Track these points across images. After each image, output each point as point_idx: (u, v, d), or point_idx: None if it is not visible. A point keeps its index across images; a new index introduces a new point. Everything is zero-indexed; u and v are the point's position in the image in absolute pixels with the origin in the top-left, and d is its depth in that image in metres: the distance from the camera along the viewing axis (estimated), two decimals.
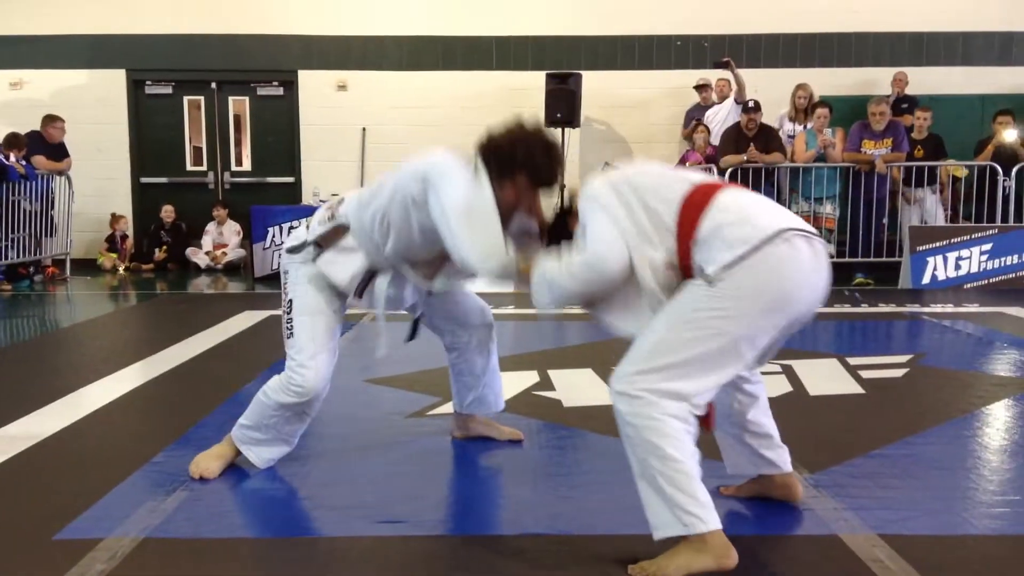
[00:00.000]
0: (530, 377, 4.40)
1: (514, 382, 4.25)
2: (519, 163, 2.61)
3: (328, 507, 2.66)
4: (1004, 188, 8.45)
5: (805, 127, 8.92)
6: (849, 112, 9.25)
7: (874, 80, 9.78)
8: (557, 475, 2.97)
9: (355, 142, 10.32)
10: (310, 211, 8.97)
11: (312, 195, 9.95)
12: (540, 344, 5.41)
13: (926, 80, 9.69)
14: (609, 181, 2.38)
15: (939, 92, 9.66)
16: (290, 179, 10.51)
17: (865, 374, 4.43)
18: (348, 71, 10.35)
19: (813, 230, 2.31)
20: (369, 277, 2.86)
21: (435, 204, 2.56)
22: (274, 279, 8.78)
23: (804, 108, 9.04)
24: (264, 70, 10.52)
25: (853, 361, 4.72)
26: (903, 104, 9.28)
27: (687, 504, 2.13)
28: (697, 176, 2.39)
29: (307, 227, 2.94)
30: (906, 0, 9.96)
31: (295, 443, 3.04)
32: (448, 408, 3.81)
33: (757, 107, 8.60)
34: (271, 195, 10.27)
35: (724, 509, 2.63)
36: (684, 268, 2.25)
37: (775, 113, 9.16)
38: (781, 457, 2.63)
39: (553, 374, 4.39)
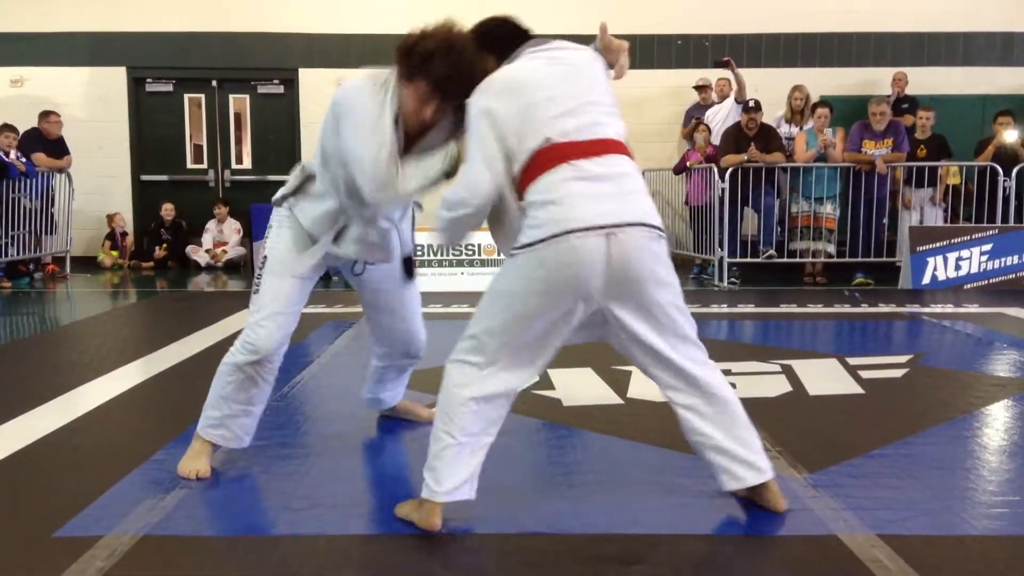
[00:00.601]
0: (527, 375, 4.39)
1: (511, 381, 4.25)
2: (415, 65, 2.51)
3: (327, 505, 2.67)
4: (1004, 189, 8.46)
5: (802, 128, 8.92)
6: (849, 112, 9.25)
7: (874, 80, 9.78)
8: (556, 474, 2.97)
9: None
10: None
11: None
12: None
13: (927, 80, 9.69)
14: (487, 101, 2.37)
15: (940, 92, 9.67)
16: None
17: (865, 374, 4.43)
18: (349, 69, 10.33)
19: (634, 220, 2.32)
20: (343, 224, 2.85)
21: (342, 139, 2.60)
22: None
23: (800, 109, 9.04)
24: (265, 68, 10.52)
25: (853, 361, 4.72)
26: (904, 104, 9.28)
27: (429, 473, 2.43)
28: (558, 129, 2.34)
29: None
30: (907, 0, 9.96)
31: (257, 415, 3.00)
32: None
33: (758, 106, 8.60)
34: (271, 193, 10.12)
35: (723, 512, 2.63)
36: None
37: (776, 113, 9.16)
38: (744, 471, 2.54)
39: (552, 373, 4.39)
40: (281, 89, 10.64)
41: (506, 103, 2.35)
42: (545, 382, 4.24)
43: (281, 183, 3.08)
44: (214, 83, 10.67)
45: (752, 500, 2.63)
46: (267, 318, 2.82)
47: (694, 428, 2.55)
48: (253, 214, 9.08)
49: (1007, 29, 9.98)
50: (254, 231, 9.03)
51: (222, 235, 10.16)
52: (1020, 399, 3.98)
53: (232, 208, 10.18)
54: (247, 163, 10.78)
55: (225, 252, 10.01)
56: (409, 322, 3.20)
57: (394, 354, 3.29)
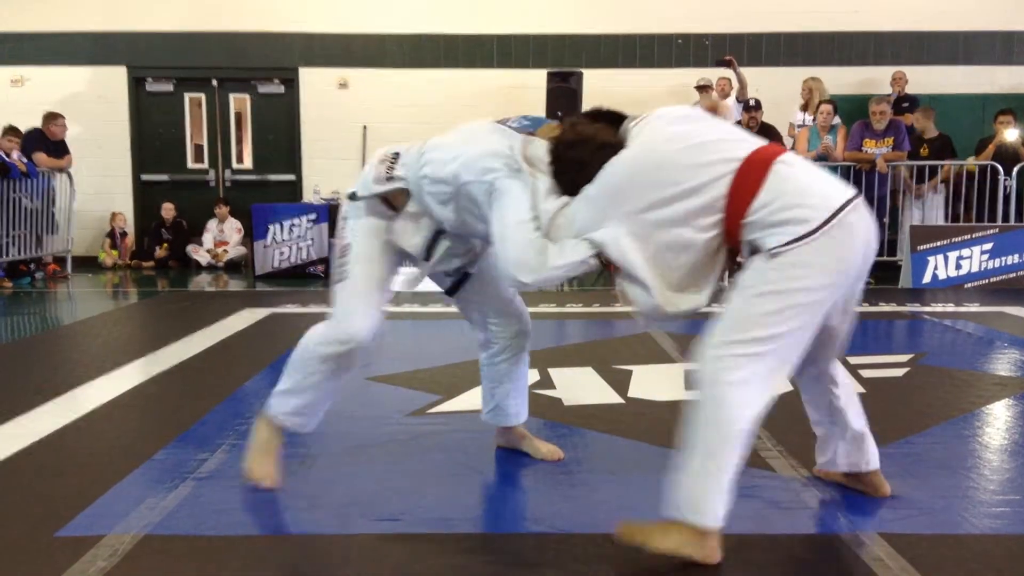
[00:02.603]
0: (530, 375, 4.40)
1: None
2: (565, 170, 2.44)
3: (328, 505, 2.67)
4: (1005, 188, 8.45)
5: (815, 119, 8.90)
6: (851, 111, 9.25)
7: (875, 79, 9.78)
8: (558, 473, 2.97)
9: (356, 140, 10.32)
10: (311, 209, 9.07)
11: (313, 193, 9.96)
12: (540, 342, 5.40)
13: (927, 79, 9.69)
14: (634, 160, 2.31)
15: (940, 91, 9.66)
16: (291, 177, 10.51)
17: (866, 373, 4.43)
18: (349, 68, 10.35)
19: (855, 193, 2.34)
20: (435, 237, 2.72)
21: (496, 216, 2.46)
22: (274, 277, 8.80)
23: (811, 101, 9.06)
24: (265, 67, 10.53)
25: (854, 360, 4.71)
26: (904, 103, 9.28)
27: (714, 497, 2.20)
28: (737, 147, 2.30)
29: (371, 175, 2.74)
30: (908, 0, 9.96)
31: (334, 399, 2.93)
32: (449, 407, 3.82)
33: (758, 105, 8.60)
34: (272, 193, 10.27)
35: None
36: (732, 243, 2.31)
37: (775, 112, 9.14)
38: (867, 457, 2.67)
39: (553, 372, 4.39)
40: (281, 89, 10.64)
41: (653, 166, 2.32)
42: (546, 381, 4.24)
43: (282, 183, 3.07)
44: (214, 82, 10.67)
45: (855, 486, 2.72)
46: (361, 304, 2.69)
47: (836, 407, 2.62)
48: (254, 214, 9.08)
49: (1007, 28, 9.97)
50: (255, 231, 9.03)
51: (223, 235, 10.17)
52: (1021, 398, 3.98)
53: (233, 207, 10.18)
54: (248, 163, 10.78)
55: (226, 252, 10.01)
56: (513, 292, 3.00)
57: (506, 333, 2.99)
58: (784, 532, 2.47)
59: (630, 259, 2.31)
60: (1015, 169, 8.41)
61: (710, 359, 2.25)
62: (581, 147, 2.40)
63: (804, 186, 2.26)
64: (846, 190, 2.31)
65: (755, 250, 2.28)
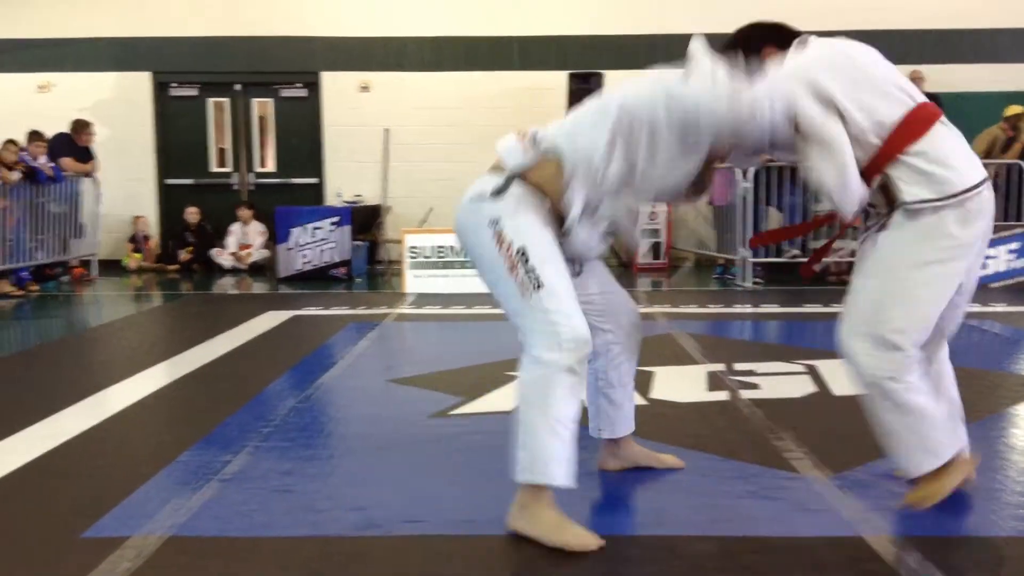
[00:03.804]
0: None
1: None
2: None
3: (351, 507, 2.68)
4: None
5: None
6: None
7: None
8: (581, 476, 2.96)
9: (378, 143, 10.36)
10: (334, 212, 9.13)
11: (335, 195, 10.00)
12: None
13: (950, 78, 9.59)
14: (825, 57, 2.42)
15: (966, 89, 9.56)
16: (314, 180, 10.56)
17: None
18: (371, 72, 10.39)
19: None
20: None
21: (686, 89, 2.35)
22: (298, 279, 8.84)
23: None
24: (288, 72, 10.59)
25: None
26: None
27: (936, 440, 2.47)
28: (913, 90, 2.47)
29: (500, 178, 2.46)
30: None
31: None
32: (472, 408, 3.82)
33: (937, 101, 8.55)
34: (295, 196, 10.33)
35: (746, 513, 2.62)
36: (869, 173, 2.40)
37: None
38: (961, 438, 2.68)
39: None
40: (304, 92, 10.70)
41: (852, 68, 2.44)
42: None
43: (305, 186, 2.98)
44: (238, 87, 10.75)
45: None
46: (571, 307, 2.36)
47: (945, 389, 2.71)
48: (277, 216, 9.14)
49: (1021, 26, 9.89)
50: (278, 233, 9.09)
51: (246, 237, 10.23)
52: None
53: (256, 211, 10.25)
54: (271, 166, 10.84)
55: (249, 255, 10.07)
56: (617, 287, 2.83)
57: (619, 329, 2.77)
58: (808, 535, 2.45)
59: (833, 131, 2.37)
60: None
61: (849, 333, 2.47)
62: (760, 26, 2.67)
63: (952, 150, 2.40)
64: (982, 168, 2.45)
65: (887, 192, 2.41)
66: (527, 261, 2.35)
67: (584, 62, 9.95)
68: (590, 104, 2.50)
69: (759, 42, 2.61)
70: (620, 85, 2.48)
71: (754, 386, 4.16)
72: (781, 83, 2.39)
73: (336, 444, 3.37)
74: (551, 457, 2.34)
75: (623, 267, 9.60)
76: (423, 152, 10.22)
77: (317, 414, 3.83)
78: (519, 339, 2.42)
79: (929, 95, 8.77)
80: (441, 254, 8.20)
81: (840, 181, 2.37)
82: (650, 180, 2.40)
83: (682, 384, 4.21)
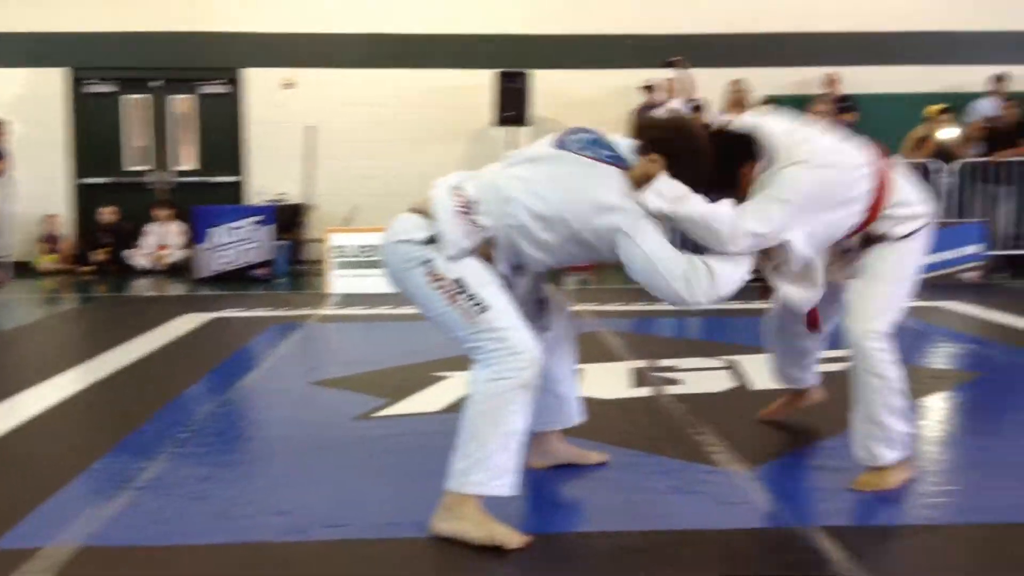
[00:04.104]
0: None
1: (464, 381, 4.24)
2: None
3: (273, 512, 2.63)
4: (943, 184, 8.64)
5: None
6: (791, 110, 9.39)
7: (813, 80, 9.93)
8: None
9: (301, 140, 10.21)
10: (255, 210, 8.97)
11: (257, 194, 9.84)
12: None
13: (867, 80, 9.87)
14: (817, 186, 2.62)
15: (880, 91, 9.85)
16: (235, 178, 10.37)
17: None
18: (296, 68, 10.24)
19: None
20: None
21: (635, 253, 2.45)
22: (218, 280, 8.66)
23: (740, 102, 9.17)
24: (209, 68, 10.37)
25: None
26: (845, 102, 9.44)
27: (900, 435, 2.78)
28: (862, 161, 2.73)
29: (435, 224, 2.47)
30: (844, 2, 10.14)
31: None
32: (397, 410, 3.79)
33: (703, 106, 8.69)
34: (216, 195, 10.11)
35: (668, 507, 2.66)
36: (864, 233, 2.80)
37: (714, 110, 9.25)
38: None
39: None
40: (225, 89, 10.50)
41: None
42: None
43: (226, 184, 2.92)
44: (157, 83, 10.49)
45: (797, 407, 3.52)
46: (519, 323, 2.45)
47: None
48: (196, 216, 8.95)
49: (944, 29, 10.21)
50: (197, 233, 8.90)
51: (165, 237, 9.99)
52: (957, 390, 4.07)
53: (175, 210, 10.01)
54: (191, 164, 10.61)
55: (168, 255, 9.84)
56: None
57: (558, 325, 2.94)
58: (728, 527, 2.49)
59: (812, 257, 2.72)
60: (951, 166, 8.61)
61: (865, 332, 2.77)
62: (732, 142, 2.70)
63: (910, 188, 2.84)
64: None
65: (872, 238, 2.80)
66: (464, 289, 2.43)
67: (512, 61, 9.97)
68: (538, 197, 2.47)
69: (739, 160, 2.68)
70: (567, 187, 2.47)
71: (677, 382, 4.22)
72: (775, 222, 2.56)
73: (256, 448, 3.31)
74: (503, 471, 2.39)
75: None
76: (349, 150, 10.11)
77: (237, 418, 3.76)
78: (472, 360, 2.48)
79: (844, 96, 8.97)
80: (366, 253, 8.13)
81: (809, 297, 2.86)
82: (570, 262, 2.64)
83: (607, 381, 4.25)
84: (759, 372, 4.40)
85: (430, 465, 3.07)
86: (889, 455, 2.76)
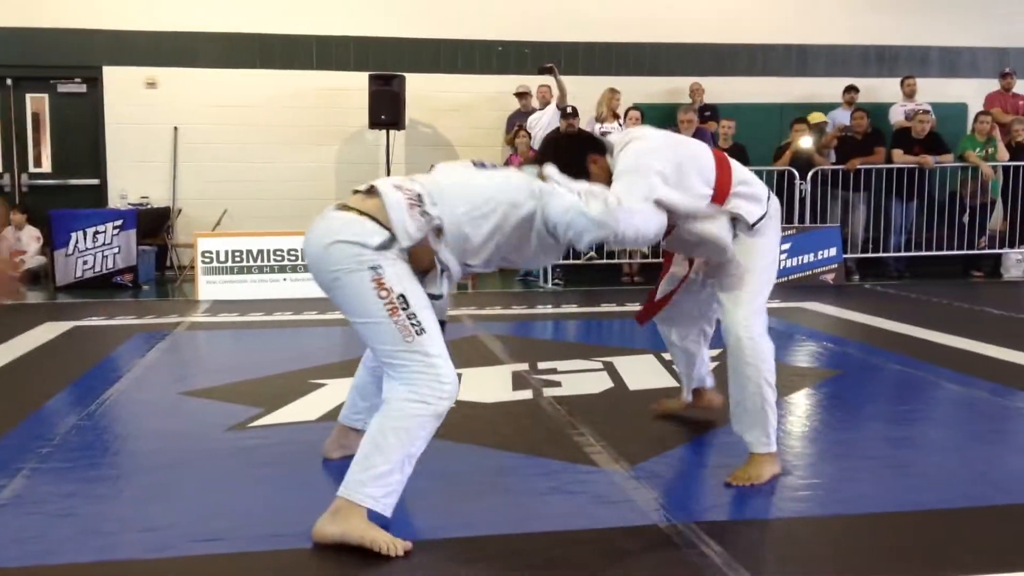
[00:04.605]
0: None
1: (342, 389, 4.18)
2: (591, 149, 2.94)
3: (142, 528, 2.52)
4: (800, 191, 9.06)
5: (622, 126, 9.22)
6: (657, 119, 9.65)
7: (680, 89, 10.25)
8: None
9: (166, 142, 9.85)
10: (117, 215, 8.60)
11: (119, 197, 9.42)
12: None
13: (729, 90, 10.25)
14: (658, 148, 2.87)
15: (741, 101, 10.24)
16: (95, 181, 9.90)
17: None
18: (159, 67, 9.86)
19: None
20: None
21: (555, 206, 2.60)
22: (78, 288, 8.26)
23: (613, 109, 9.38)
24: (65, 66, 9.87)
25: (668, 356, 4.91)
26: (706, 112, 9.78)
27: (773, 427, 2.96)
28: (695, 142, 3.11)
29: (390, 216, 2.50)
30: (710, 14, 10.50)
31: None
32: (272, 419, 3.70)
33: (575, 113, 8.84)
34: (74, 198, 9.62)
35: (548, 509, 2.68)
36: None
37: (586, 120, 9.43)
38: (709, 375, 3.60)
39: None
40: (84, 88, 10.02)
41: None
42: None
43: (84, 187, 2.80)
44: (8, 82, 9.91)
45: (693, 407, 3.66)
46: (445, 354, 2.51)
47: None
48: (53, 220, 8.50)
49: (801, 42, 10.71)
50: (55, 239, 8.45)
51: (19, 243, 9.45)
52: (819, 387, 4.27)
53: (31, 214, 9.48)
54: (46, 166, 10.06)
55: (23, 262, 9.31)
56: None
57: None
58: (608, 525, 2.54)
59: (702, 205, 2.90)
60: (809, 174, 9.03)
61: (742, 322, 2.95)
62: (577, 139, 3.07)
63: (747, 172, 3.07)
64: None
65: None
66: (408, 307, 2.47)
67: (385, 64, 9.89)
68: (477, 188, 2.63)
69: (586, 153, 2.90)
70: (516, 185, 2.66)
71: (556, 384, 4.27)
72: (636, 185, 2.73)
73: (124, 462, 3.17)
74: (394, 491, 2.43)
75: (424, 273, 9.60)
76: (216, 152, 9.80)
77: (102, 431, 3.59)
78: (390, 375, 2.49)
79: (707, 106, 9.28)
80: (237, 258, 7.91)
81: (724, 233, 2.96)
82: (510, 261, 2.75)
83: (487, 385, 4.27)
84: (635, 373, 4.52)
85: (307, 475, 3.02)
86: (765, 446, 2.93)
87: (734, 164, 3.03)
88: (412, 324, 2.47)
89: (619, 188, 2.71)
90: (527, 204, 2.60)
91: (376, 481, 2.39)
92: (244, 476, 3.00)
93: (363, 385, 3.08)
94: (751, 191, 2.99)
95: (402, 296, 2.47)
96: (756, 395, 2.93)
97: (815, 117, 9.54)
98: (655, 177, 2.76)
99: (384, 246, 2.48)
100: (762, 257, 3.01)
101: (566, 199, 2.59)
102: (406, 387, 2.45)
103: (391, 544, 2.35)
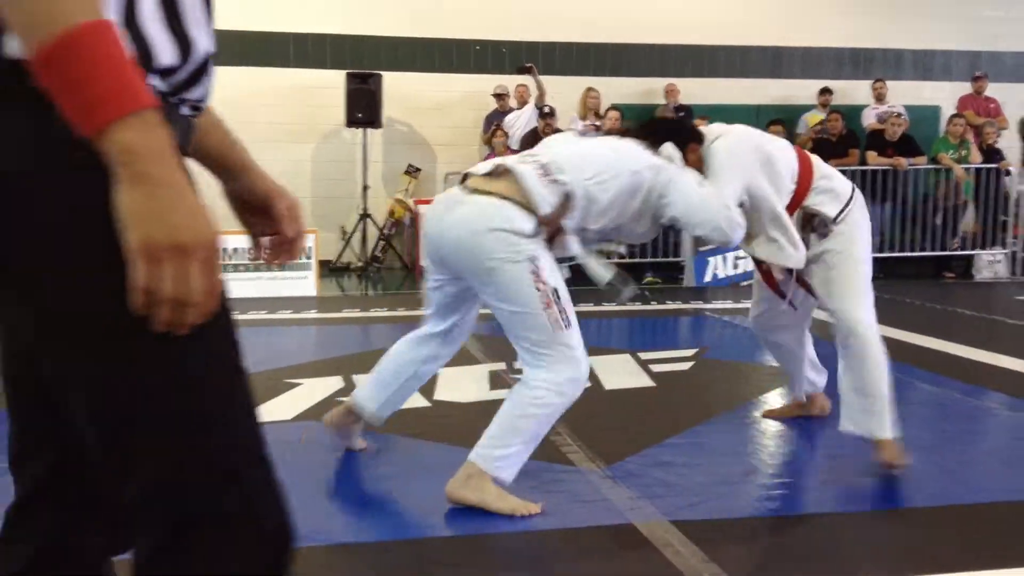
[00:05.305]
0: (334, 382, 4.33)
1: (317, 388, 4.17)
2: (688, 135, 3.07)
3: None
4: None
5: (601, 126, 9.25)
6: (632, 120, 9.69)
7: (656, 90, 10.30)
8: (369, 482, 2.93)
9: None
10: None
11: None
12: (344, 348, 5.33)
13: (705, 91, 10.30)
14: (742, 146, 3.02)
15: (717, 102, 10.30)
16: None
17: (655, 368, 4.65)
18: None
19: None
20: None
21: (681, 191, 2.80)
22: None
23: (595, 109, 9.40)
24: None
25: (644, 356, 4.95)
26: (681, 113, 9.82)
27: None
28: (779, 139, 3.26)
29: (522, 199, 2.62)
30: (686, 15, 10.56)
31: None
32: None
33: (552, 113, 8.85)
34: None
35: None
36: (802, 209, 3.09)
37: (563, 120, 9.46)
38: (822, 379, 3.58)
39: (356, 378, 4.33)
40: None
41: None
42: (350, 388, 4.18)
43: None
44: None
45: (804, 414, 3.64)
46: (583, 349, 2.70)
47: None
48: None
49: (777, 44, 10.78)
50: None
51: None
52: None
53: None
54: None
55: None
56: None
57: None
58: (584, 524, 2.55)
59: (782, 214, 3.02)
60: None
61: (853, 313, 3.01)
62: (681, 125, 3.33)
63: (827, 166, 3.17)
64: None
65: (810, 215, 3.07)
66: (559, 300, 2.63)
67: (362, 62, 9.85)
68: (598, 155, 2.80)
69: (687, 142, 3.02)
70: (632, 154, 2.84)
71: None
72: (730, 184, 2.92)
73: None
74: (517, 464, 2.64)
75: (407, 270, 9.60)
76: None
77: None
78: (532, 363, 2.66)
79: (682, 107, 9.33)
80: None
81: (799, 256, 3.05)
82: (618, 231, 2.88)
83: (465, 385, 4.27)
84: (612, 372, 4.53)
85: (282, 474, 2.99)
86: (891, 431, 2.97)
87: (815, 160, 3.14)
88: (563, 317, 2.61)
89: (718, 187, 2.88)
90: (644, 173, 2.77)
91: (511, 460, 2.61)
92: None
93: (389, 377, 3.08)
94: (831, 185, 3.09)
95: (555, 290, 2.61)
96: (881, 381, 2.97)
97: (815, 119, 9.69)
98: (742, 180, 2.94)
99: (535, 232, 2.61)
100: (859, 247, 3.09)
101: (692, 196, 2.79)
102: (549, 375, 2.61)
103: (525, 508, 2.58)
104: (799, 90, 10.49)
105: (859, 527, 2.57)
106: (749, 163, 2.97)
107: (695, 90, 10.14)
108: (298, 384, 4.21)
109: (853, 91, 10.48)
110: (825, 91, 10.11)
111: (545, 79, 9.47)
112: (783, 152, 3.08)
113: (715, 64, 10.67)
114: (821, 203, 3.06)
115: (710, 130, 3.13)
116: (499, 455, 2.61)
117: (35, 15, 0.86)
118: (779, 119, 9.45)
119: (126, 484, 1.00)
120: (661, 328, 6.32)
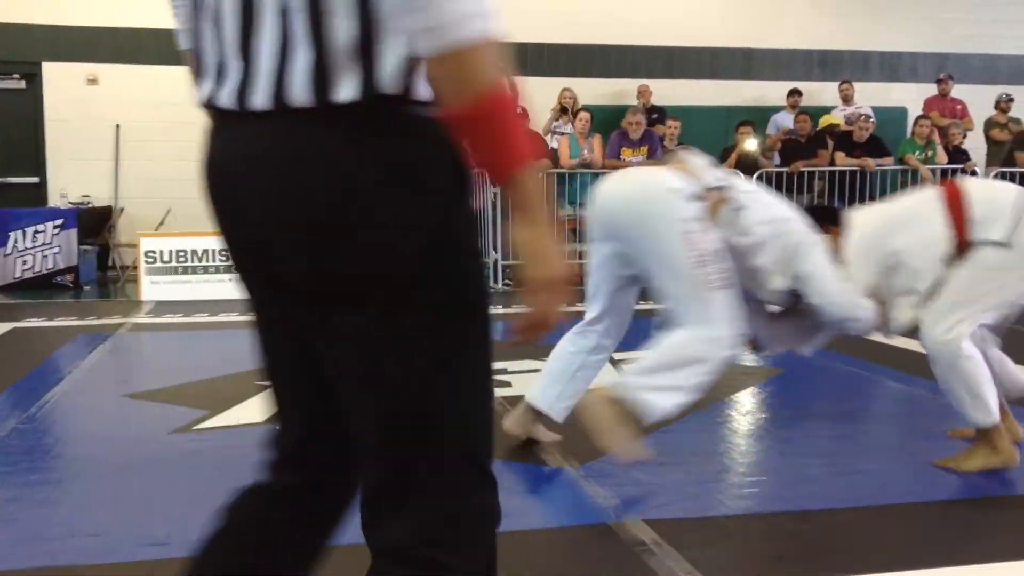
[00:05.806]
0: None
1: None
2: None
3: (85, 533, 2.48)
4: None
5: (571, 125, 9.28)
6: (606, 120, 9.71)
7: (628, 91, 10.34)
8: None
9: (108, 140, 9.67)
10: (57, 213, 8.42)
11: (60, 196, 9.22)
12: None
13: (677, 92, 10.36)
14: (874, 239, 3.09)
15: (689, 103, 10.36)
16: (34, 179, 9.67)
17: (630, 368, 4.65)
18: (100, 64, 9.67)
19: None
20: None
21: (821, 276, 3.00)
22: (18, 288, 8.06)
23: (570, 108, 9.43)
24: (3, 61, 9.63)
25: (619, 356, 4.95)
26: (653, 114, 9.87)
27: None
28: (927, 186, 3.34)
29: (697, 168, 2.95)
30: (658, 17, 10.61)
31: None
32: (217, 422, 3.65)
33: (524, 114, 8.86)
34: (13, 197, 9.40)
35: (504, 507, 2.68)
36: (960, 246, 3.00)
37: (542, 120, 9.47)
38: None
39: None
40: (22, 85, 9.78)
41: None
42: None
43: (24, 186, 2.74)
44: None
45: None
46: (733, 319, 2.88)
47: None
48: None
49: (747, 46, 10.87)
50: None
51: None
52: (764, 386, 4.34)
53: None
54: None
55: None
56: None
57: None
58: (560, 523, 2.56)
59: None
60: (755, 176, 9.17)
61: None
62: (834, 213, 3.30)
63: (986, 190, 3.09)
64: None
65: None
66: (719, 261, 2.83)
67: None
68: (767, 198, 3.11)
69: (835, 225, 3.18)
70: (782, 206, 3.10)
71: (507, 384, 4.28)
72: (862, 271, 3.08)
73: (66, 466, 3.10)
74: (664, 407, 2.82)
75: None
76: (159, 150, 9.63)
77: (43, 435, 3.51)
78: (686, 321, 2.85)
79: (654, 107, 9.34)
80: (181, 259, 7.78)
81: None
82: (740, 268, 2.99)
83: None
84: None
85: (254, 478, 2.97)
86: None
87: (970, 187, 3.02)
88: (719, 278, 2.82)
89: (854, 276, 3.05)
90: (796, 236, 2.98)
91: (653, 384, 2.80)
92: (189, 479, 2.95)
93: (558, 371, 3.20)
94: (990, 210, 2.93)
95: (718, 252, 2.82)
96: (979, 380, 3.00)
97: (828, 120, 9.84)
98: (878, 267, 3.05)
99: (698, 196, 2.84)
100: (987, 268, 3.01)
101: (836, 289, 2.99)
102: (707, 327, 2.81)
103: (631, 452, 2.77)
104: (769, 91, 10.59)
105: (830, 524, 2.59)
106: (883, 256, 3.07)
107: (666, 91, 10.20)
108: (269, 386, 4.17)
109: (822, 92, 10.60)
110: (794, 92, 10.20)
111: (520, 80, 9.48)
112: (922, 218, 3.02)
113: (687, 65, 10.73)
114: (988, 232, 2.93)
115: (854, 218, 3.20)
116: (649, 383, 2.80)
117: (466, 78, 1.07)
118: (749, 120, 9.52)
119: (409, 475, 1.19)
120: (634, 327, 6.32)
